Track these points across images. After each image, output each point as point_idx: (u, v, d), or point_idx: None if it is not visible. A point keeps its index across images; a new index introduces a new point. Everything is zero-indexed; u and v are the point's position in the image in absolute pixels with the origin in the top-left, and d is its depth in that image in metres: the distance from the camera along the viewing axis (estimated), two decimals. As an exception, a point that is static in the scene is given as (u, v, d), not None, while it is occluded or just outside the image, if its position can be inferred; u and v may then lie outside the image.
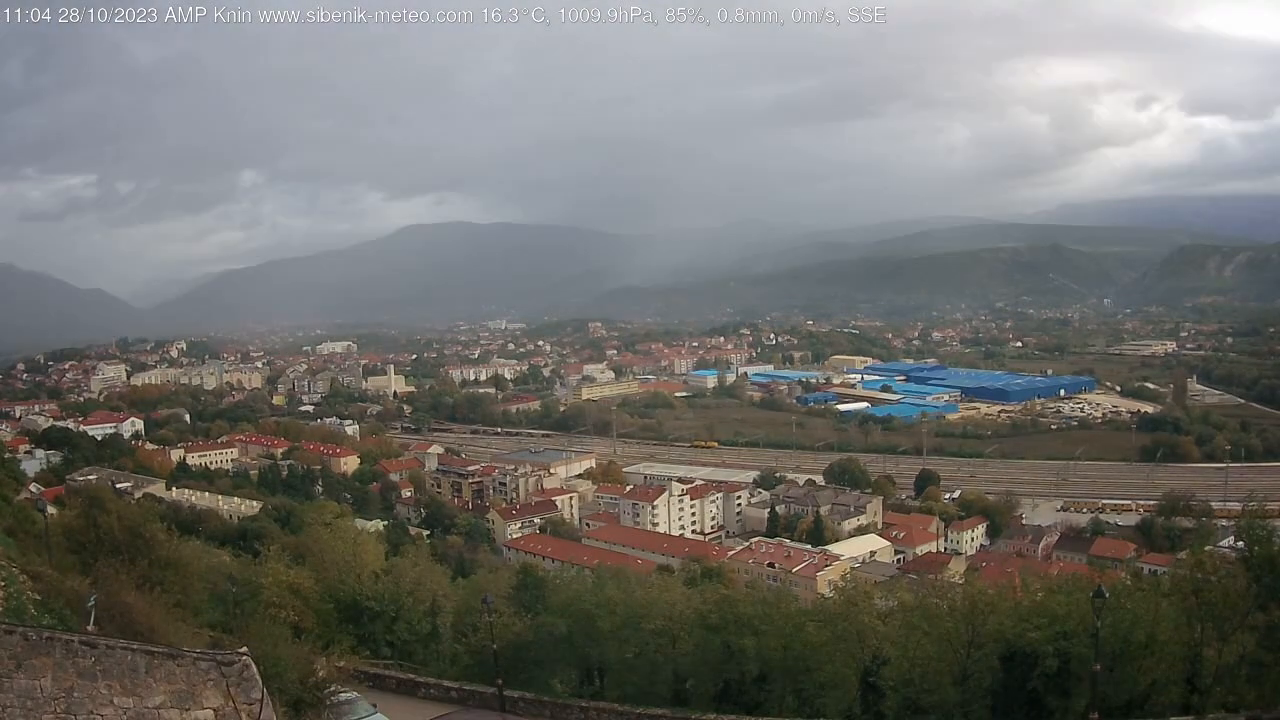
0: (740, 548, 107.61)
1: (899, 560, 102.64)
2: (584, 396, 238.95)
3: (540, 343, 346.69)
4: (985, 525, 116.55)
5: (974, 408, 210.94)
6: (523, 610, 32.55)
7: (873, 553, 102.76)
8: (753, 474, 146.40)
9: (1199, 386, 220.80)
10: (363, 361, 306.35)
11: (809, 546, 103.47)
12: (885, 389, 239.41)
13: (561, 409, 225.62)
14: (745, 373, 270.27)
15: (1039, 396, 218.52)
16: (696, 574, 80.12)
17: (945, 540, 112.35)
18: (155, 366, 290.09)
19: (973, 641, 22.65)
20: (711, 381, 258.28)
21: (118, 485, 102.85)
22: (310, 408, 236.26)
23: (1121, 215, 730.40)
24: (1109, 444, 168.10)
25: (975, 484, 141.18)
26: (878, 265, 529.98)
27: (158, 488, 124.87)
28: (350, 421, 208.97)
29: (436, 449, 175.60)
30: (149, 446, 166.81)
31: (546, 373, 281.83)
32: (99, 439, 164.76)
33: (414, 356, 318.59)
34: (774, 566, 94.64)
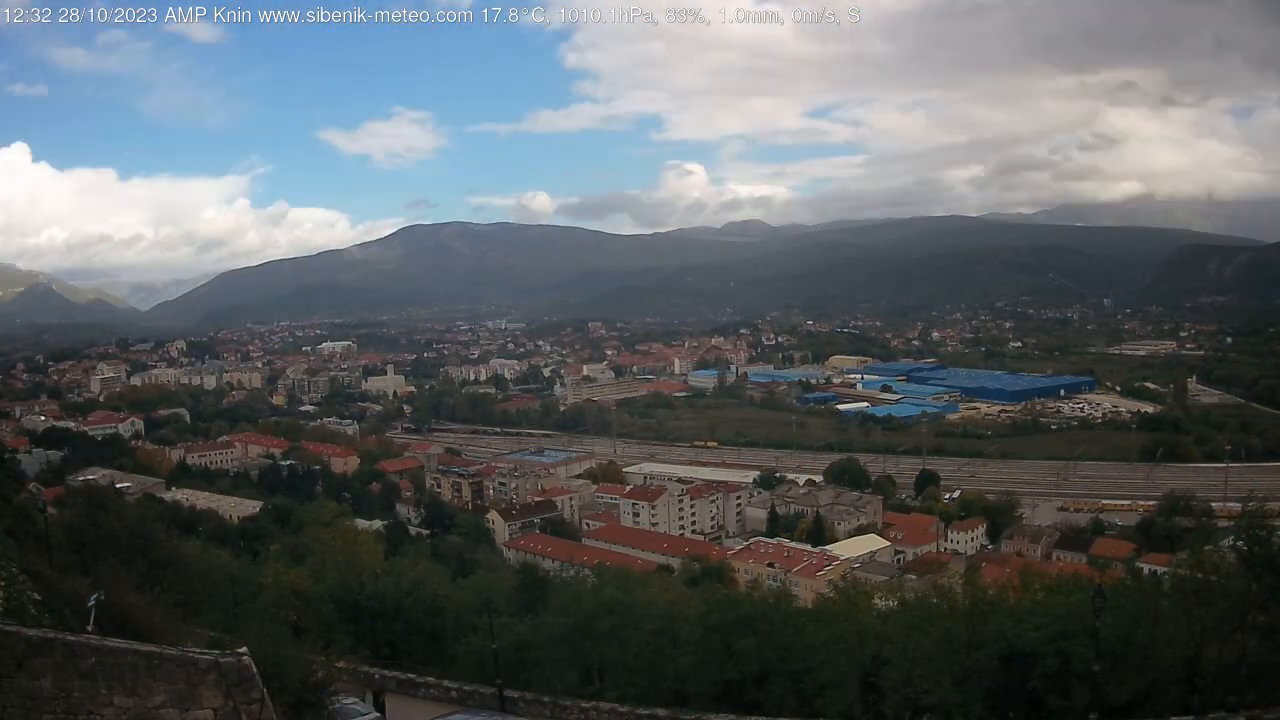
0: (740, 548, 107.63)
1: (899, 560, 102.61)
2: (584, 396, 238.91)
3: (540, 343, 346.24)
4: (985, 525, 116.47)
5: (974, 408, 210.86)
6: (523, 610, 32.59)
7: (873, 553, 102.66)
8: (753, 474, 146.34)
9: (1199, 386, 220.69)
10: (363, 361, 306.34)
11: (809, 546, 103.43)
12: (885, 389, 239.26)
13: (561, 409, 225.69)
14: (745, 373, 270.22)
15: (1039, 396, 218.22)
16: (697, 574, 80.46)
17: (945, 540, 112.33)
18: (155, 366, 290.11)
19: (972, 641, 22.63)
20: (711, 382, 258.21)
21: (118, 485, 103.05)
22: (310, 408, 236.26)
23: (1122, 215, 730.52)
24: (1109, 444, 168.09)
25: (975, 484, 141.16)
26: (878, 265, 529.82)
27: (158, 488, 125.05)
28: (350, 421, 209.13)
29: (436, 449, 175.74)
30: (149, 446, 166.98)
31: (546, 373, 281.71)
32: (99, 439, 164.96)
33: (414, 356, 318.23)
34: (774, 566, 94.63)
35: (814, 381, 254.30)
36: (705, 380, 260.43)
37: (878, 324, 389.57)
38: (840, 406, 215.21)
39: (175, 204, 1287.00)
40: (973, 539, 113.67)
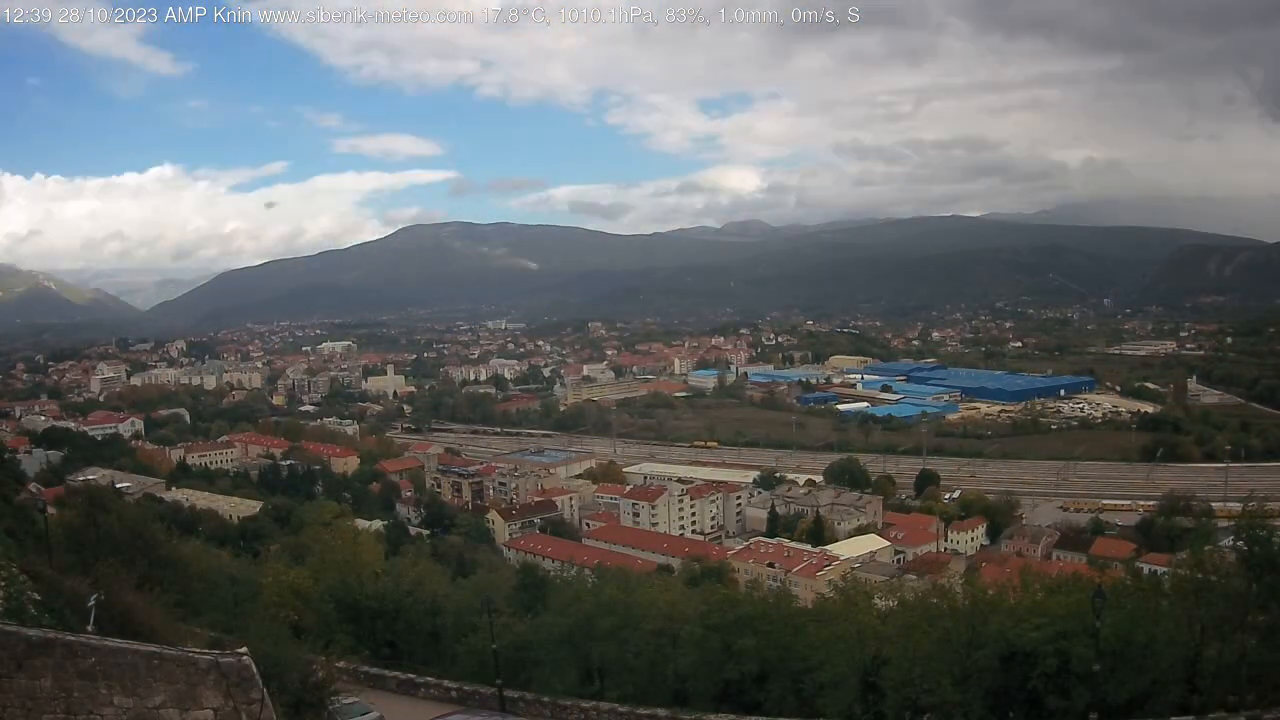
0: (740, 548, 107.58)
1: (899, 560, 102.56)
2: (584, 396, 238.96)
3: (540, 343, 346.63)
4: (985, 525, 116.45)
5: (974, 408, 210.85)
6: (523, 610, 32.58)
7: (873, 553, 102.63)
8: (753, 474, 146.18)
9: (1199, 386, 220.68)
10: (363, 361, 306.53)
11: (809, 546, 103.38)
12: (885, 389, 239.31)
13: (561, 409, 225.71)
14: (745, 373, 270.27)
15: (1039, 396, 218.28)
16: (697, 574, 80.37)
17: (945, 540, 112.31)
18: (155, 366, 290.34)
19: (973, 641, 22.64)
20: (711, 381, 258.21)
21: (118, 485, 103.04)
22: (310, 408, 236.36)
23: (1122, 215, 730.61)
24: (1109, 444, 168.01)
25: (975, 484, 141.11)
26: (878, 265, 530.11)
27: (158, 488, 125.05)
28: (350, 421, 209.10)
29: (436, 449, 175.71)
30: (149, 446, 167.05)
31: (546, 373, 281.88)
32: (99, 439, 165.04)
33: (414, 356, 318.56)
34: (774, 566, 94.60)
35: (814, 381, 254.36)
36: (705, 380, 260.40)
37: (878, 324, 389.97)
38: (840, 406, 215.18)
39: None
40: (973, 539, 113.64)
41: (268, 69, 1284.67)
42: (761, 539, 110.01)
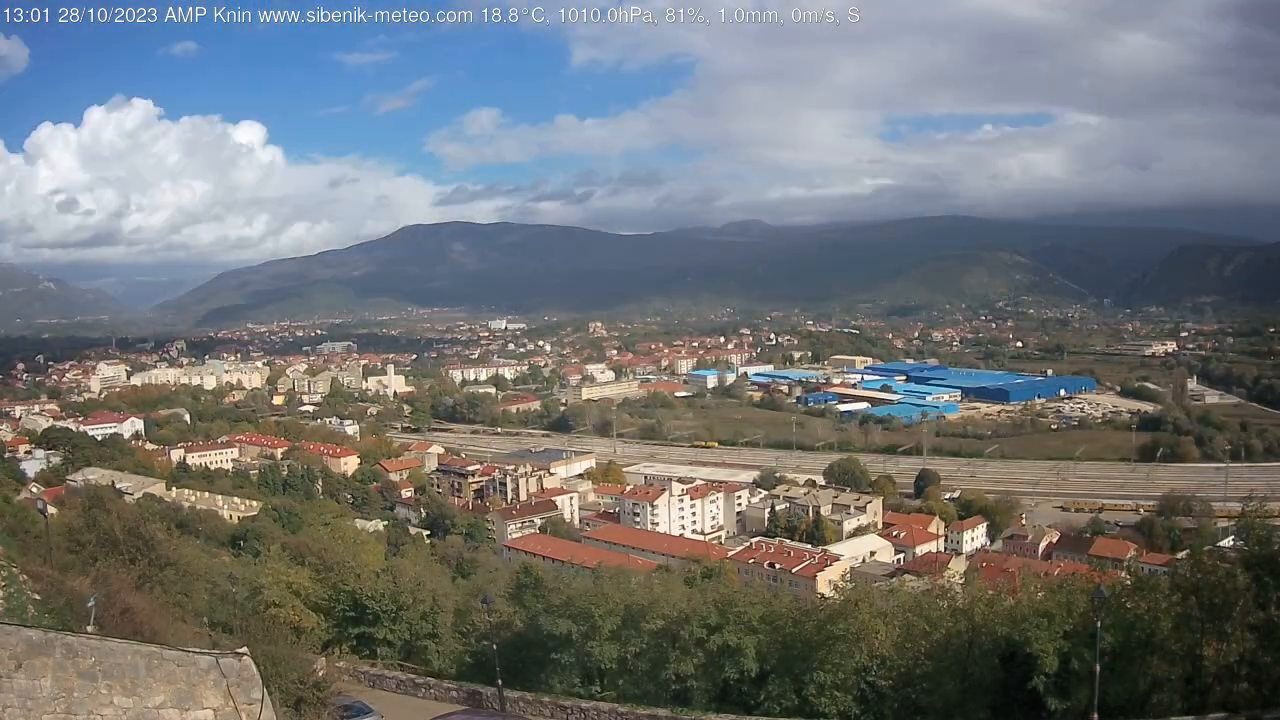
0: (740, 548, 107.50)
1: (899, 560, 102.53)
2: (584, 396, 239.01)
3: (540, 343, 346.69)
4: (985, 525, 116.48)
5: (974, 408, 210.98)
6: (523, 610, 32.58)
7: (873, 553, 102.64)
8: (753, 474, 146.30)
9: (1199, 386, 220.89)
10: (363, 361, 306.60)
11: (809, 546, 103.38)
12: (885, 389, 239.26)
13: (561, 409, 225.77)
14: (745, 373, 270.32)
15: (1039, 396, 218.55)
16: (696, 574, 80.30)
17: (945, 540, 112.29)
18: (155, 366, 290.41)
19: (973, 641, 22.65)
20: (711, 381, 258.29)
21: (118, 485, 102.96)
22: (310, 408, 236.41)
23: (1122, 215, 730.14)
24: (1109, 444, 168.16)
25: (975, 484, 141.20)
26: (878, 265, 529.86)
27: (158, 488, 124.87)
28: (350, 421, 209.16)
29: (436, 449, 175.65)
30: (149, 446, 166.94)
31: (546, 373, 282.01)
32: (99, 439, 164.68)
33: (414, 356, 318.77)
34: (774, 566, 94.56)
35: (814, 381, 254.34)
36: (705, 380, 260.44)
37: (878, 324, 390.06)
38: (840, 406, 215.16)
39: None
40: (973, 539, 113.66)
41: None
42: (761, 539, 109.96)
